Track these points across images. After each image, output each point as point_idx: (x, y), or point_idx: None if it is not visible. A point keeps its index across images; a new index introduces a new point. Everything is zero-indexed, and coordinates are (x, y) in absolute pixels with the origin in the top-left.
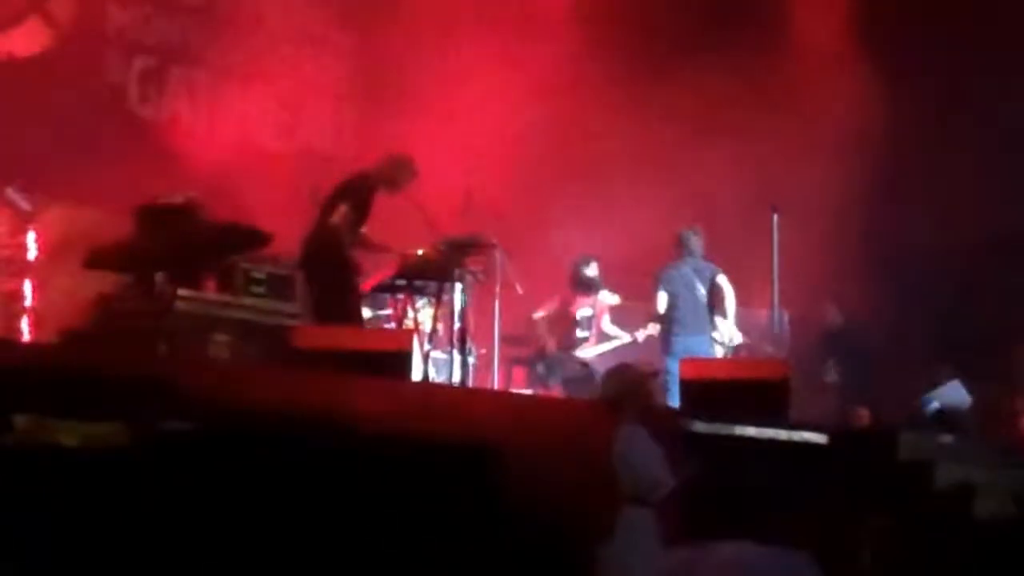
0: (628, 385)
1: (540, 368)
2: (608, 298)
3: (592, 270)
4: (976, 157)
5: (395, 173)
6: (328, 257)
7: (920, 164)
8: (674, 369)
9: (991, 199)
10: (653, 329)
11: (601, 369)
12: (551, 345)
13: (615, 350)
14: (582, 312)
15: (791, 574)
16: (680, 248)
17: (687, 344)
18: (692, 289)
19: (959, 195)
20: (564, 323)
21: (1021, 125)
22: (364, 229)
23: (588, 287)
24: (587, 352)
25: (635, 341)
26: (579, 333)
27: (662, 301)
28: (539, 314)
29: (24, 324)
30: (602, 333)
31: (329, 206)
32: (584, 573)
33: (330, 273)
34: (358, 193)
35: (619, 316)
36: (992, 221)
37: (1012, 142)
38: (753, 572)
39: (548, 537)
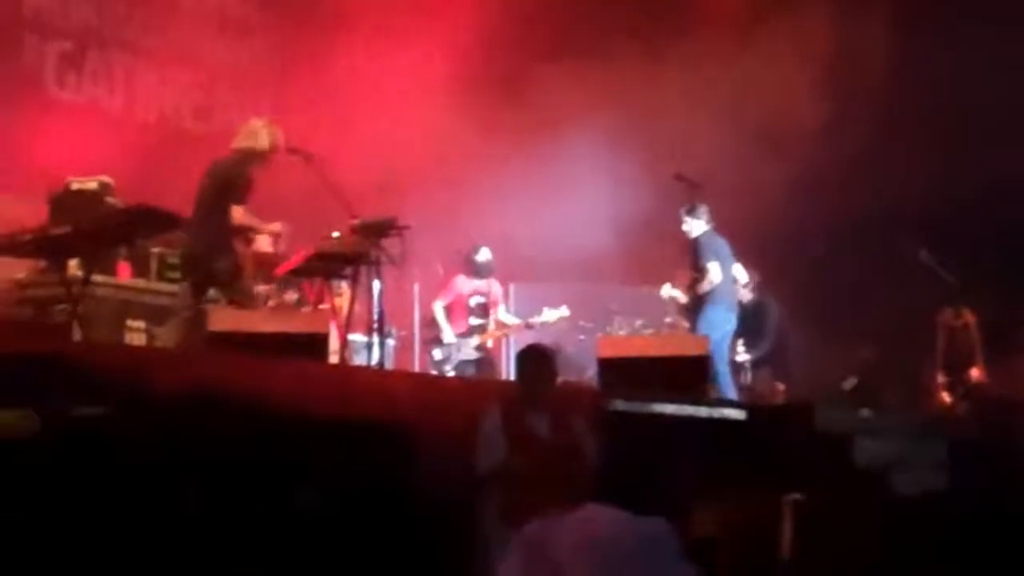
0: (536, 366)
1: (436, 354)
2: (499, 289)
3: (482, 256)
4: (888, 128)
5: (259, 142)
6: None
7: (847, 140)
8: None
9: (901, 171)
10: (549, 316)
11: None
12: (447, 332)
13: (511, 336)
14: (476, 299)
15: (647, 539)
16: (697, 219)
17: (730, 318)
18: (730, 262)
19: (871, 169)
20: (459, 310)
21: (925, 99)
22: (237, 215)
23: (479, 273)
24: (482, 338)
25: (531, 327)
26: (473, 320)
27: (716, 271)
28: (438, 303)
29: None
30: (498, 322)
31: (210, 201)
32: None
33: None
34: (232, 179)
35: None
36: (908, 193)
37: (918, 117)
38: (607, 538)
39: (454, 515)
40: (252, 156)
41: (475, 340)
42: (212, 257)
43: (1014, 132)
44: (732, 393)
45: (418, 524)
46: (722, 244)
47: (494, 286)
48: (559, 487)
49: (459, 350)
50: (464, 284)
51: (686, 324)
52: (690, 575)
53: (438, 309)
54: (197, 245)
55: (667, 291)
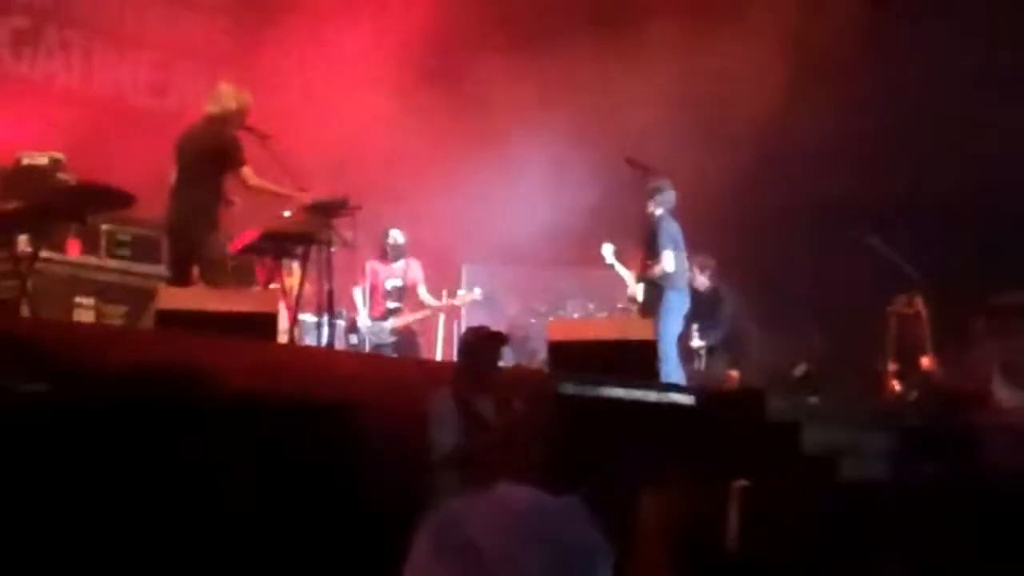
0: (481, 348)
1: (352, 338)
2: (417, 271)
3: (393, 239)
4: (845, 117)
5: (227, 105)
6: (205, 219)
7: (790, 124)
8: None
9: (854, 159)
10: (463, 297)
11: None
12: (362, 315)
13: (424, 319)
14: (391, 282)
15: (560, 515)
16: (664, 201)
17: (686, 301)
18: (682, 246)
19: (825, 156)
20: (376, 294)
21: (887, 86)
22: (249, 178)
23: (391, 256)
24: (398, 321)
25: (451, 308)
26: (390, 304)
27: (670, 259)
28: (356, 288)
29: None
30: (418, 302)
31: (200, 166)
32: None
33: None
34: (226, 146)
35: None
36: (861, 181)
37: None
38: (522, 513)
39: (401, 496)
40: (226, 119)
41: (390, 323)
42: (196, 227)
43: (967, 119)
44: (678, 378)
45: (364, 504)
46: (677, 229)
47: (412, 267)
48: (505, 471)
49: (374, 334)
50: (379, 268)
51: (633, 306)
52: (603, 549)
53: (356, 293)
54: (180, 215)
55: (609, 254)
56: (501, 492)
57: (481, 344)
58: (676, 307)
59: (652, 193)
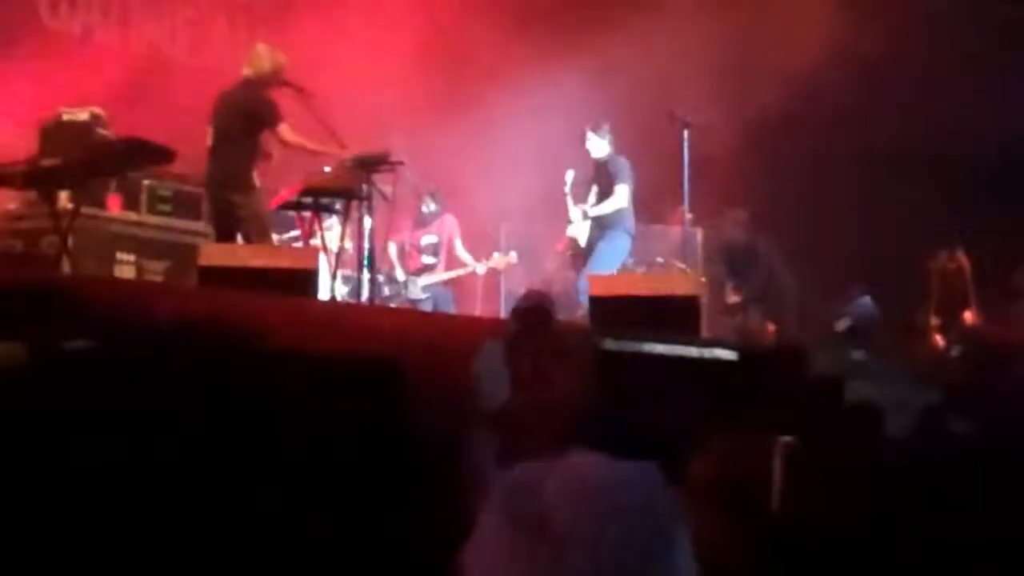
0: (533, 310)
1: (386, 290)
2: (453, 227)
3: (429, 206)
4: (898, 70)
5: (262, 66)
6: (241, 179)
7: (835, 76)
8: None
9: (906, 113)
10: (498, 261)
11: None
12: (398, 270)
13: (457, 278)
14: (427, 239)
15: (635, 485)
16: (607, 136)
17: (629, 243)
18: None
19: (873, 107)
20: (412, 250)
21: (928, 31)
22: (285, 135)
23: (426, 222)
24: (432, 278)
25: (483, 270)
26: (425, 259)
27: (624, 194)
28: (391, 242)
29: None
30: (454, 257)
31: (234, 127)
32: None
33: (248, 197)
34: (260, 106)
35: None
36: (907, 135)
37: (924, 63)
38: (595, 486)
39: (446, 454)
40: (264, 80)
41: (424, 280)
42: (230, 187)
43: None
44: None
45: (409, 462)
46: (629, 166)
47: (447, 223)
48: (551, 428)
49: (407, 288)
50: (414, 229)
51: (677, 263)
52: (680, 523)
53: (391, 247)
54: (216, 175)
55: (569, 181)
56: (574, 460)
57: (533, 308)
58: (621, 248)
59: (595, 129)
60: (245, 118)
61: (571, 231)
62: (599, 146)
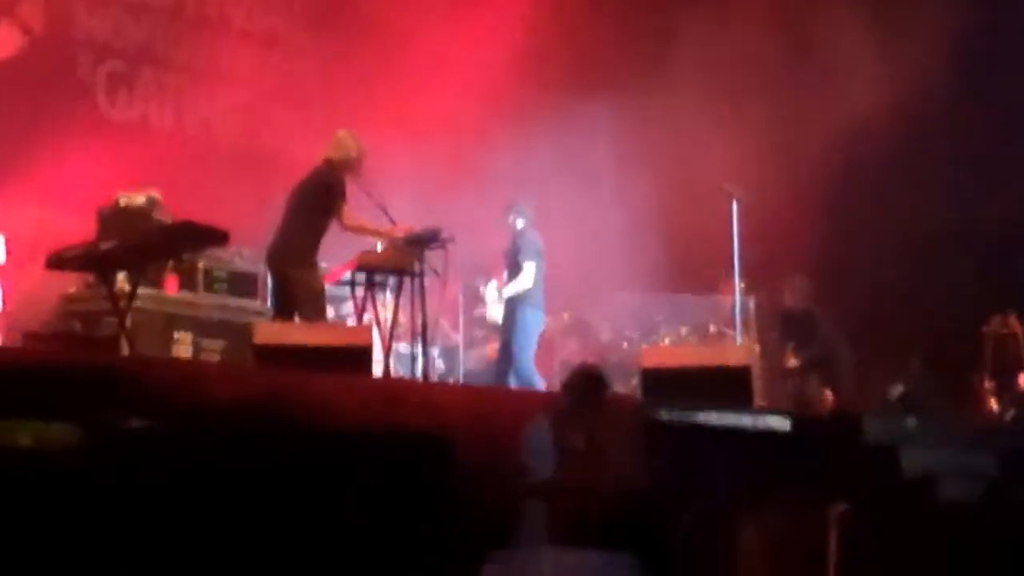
0: (585, 382)
1: (441, 364)
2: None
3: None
4: (951, 146)
5: (347, 153)
6: (305, 257)
7: (888, 152)
8: (530, 346)
9: (960, 189)
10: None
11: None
12: (492, 308)
13: None
14: (478, 312)
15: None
16: (524, 212)
17: (542, 318)
18: (542, 261)
19: (928, 183)
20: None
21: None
22: (347, 220)
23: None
24: (486, 349)
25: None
26: (477, 332)
27: (530, 272)
28: (490, 283)
29: None
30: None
31: (304, 208)
32: None
33: (307, 273)
34: (332, 190)
35: None
36: (959, 210)
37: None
38: (575, 574)
39: (497, 525)
40: (344, 164)
41: (478, 351)
42: (291, 262)
43: None
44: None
45: (461, 533)
46: (539, 242)
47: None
48: (600, 500)
49: (462, 360)
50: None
51: (730, 332)
52: None
53: (490, 288)
54: (279, 249)
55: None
56: (553, 556)
57: (586, 380)
58: (532, 324)
59: (510, 208)
60: (317, 198)
61: (489, 314)
62: (519, 222)
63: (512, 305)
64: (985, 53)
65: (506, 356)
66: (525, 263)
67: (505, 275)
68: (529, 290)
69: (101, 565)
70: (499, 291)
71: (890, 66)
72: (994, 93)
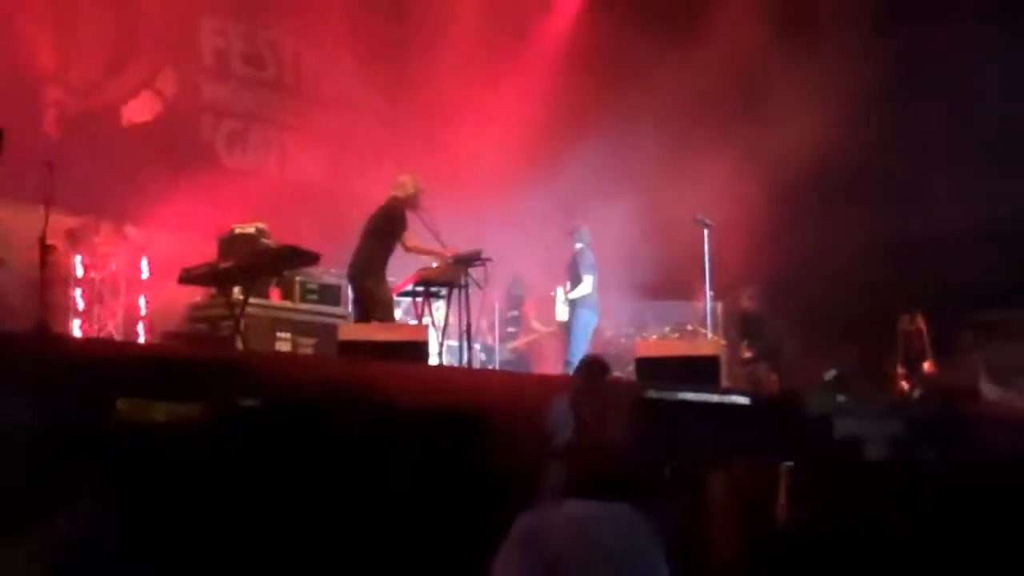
0: (593, 369)
1: (482, 355)
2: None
3: (516, 289)
4: (873, 179)
5: (407, 191)
6: (375, 272)
7: (822, 186)
8: (585, 339)
9: (880, 215)
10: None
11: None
12: (491, 338)
13: (532, 340)
14: (510, 313)
15: (622, 526)
16: (582, 238)
17: (595, 318)
18: (596, 273)
19: (855, 210)
20: (498, 322)
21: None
22: (408, 244)
23: (513, 301)
24: (515, 343)
25: (552, 333)
26: (509, 329)
27: (588, 282)
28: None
29: (140, 329)
30: (529, 327)
31: (375, 233)
32: None
33: (378, 285)
34: (395, 220)
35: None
36: (881, 230)
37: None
38: (594, 529)
39: (525, 484)
40: (405, 201)
41: (510, 344)
42: (364, 277)
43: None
44: None
45: (497, 488)
46: (593, 259)
47: (526, 302)
48: (605, 459)
49: (498, 352)
50: (506, 304)
51: (702, 330)
52: (655, 548)
53: (483, 324)
54: (355, 268)
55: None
56: (574, 509)
57: (593, 367)
58: (589, 323)
59: (573, 232)
60: (384, 227)
61: (558, 316)
62: (577, 244)
63: (574, 307)
64: (900, 103)
65: (569, 349)
66: (584, 275)
67: (568, 284)
68: (587, 296)
69: (219, 515)
70: (565, 296)
71: (823, 115)
72: (905, 137)
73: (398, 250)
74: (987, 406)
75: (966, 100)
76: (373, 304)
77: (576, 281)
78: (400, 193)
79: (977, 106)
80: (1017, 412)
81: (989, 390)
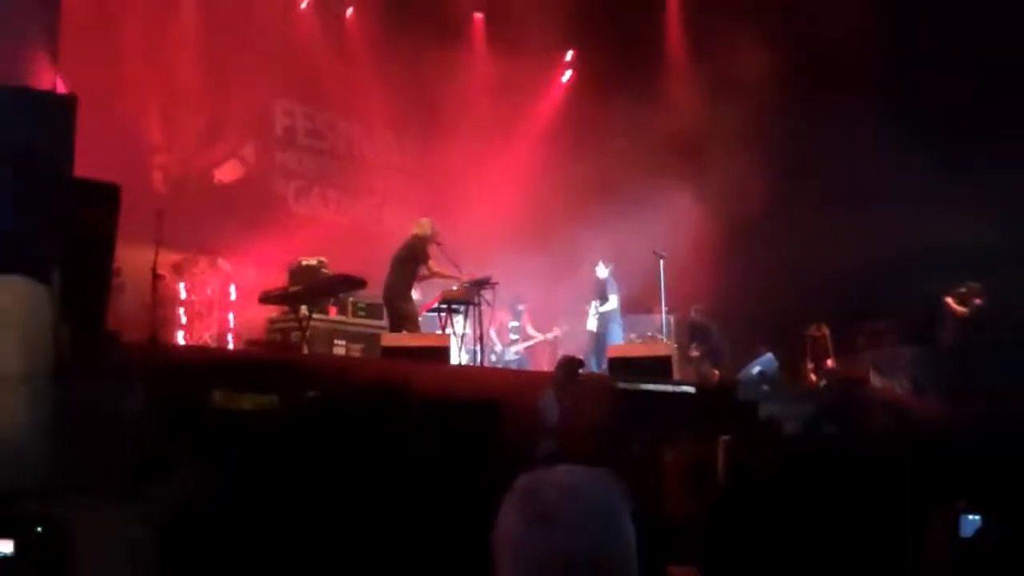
0: (570, 367)
1: (492, 357)
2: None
3: (518, 306)
4: (789, 220)
5: (425, 231)
6: (403, 293)
7: (751, 224)
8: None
9: (793, 246)
10: (551, 334)
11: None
12: (497, 345)
13: (531, 346)
14: (512, 323)
15: (601, 485)
16: (608, 268)
17: (620, 330)
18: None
19: (774, 245)
20: (503, 332)
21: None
22: (432, 268)
23: (515, 314)
24: (516, 347)
25: (546, 340)
26: (511, 336)
27: (614, 301)
28: (491, 329)
29: (230, 338)
30: (527, 334)
31: (401, 262)
32: None
33: (406, 303)
34: (416, 252)
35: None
36: (794, 260)
37: (811, 210)
38: (581, 486)
39: (522, 458)
40: (424, 239)
41: (512, 348)
42: (396, 298)
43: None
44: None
45: (502, 458)
46: (616, 283)
47: (524, 315)
48: (584, 436)
49: (506, 355)
50: (507, 316)
51: (660, 336)
52: (625, 504)
53: (492, 333)
54: (389, 291)
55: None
56: (564, 471)
57: (569, 365)
58: (616, 334)
59: (600, 261)
60: (409, 257)
61: (589, 325)
62: (604, 271)
63: (604, 320)
64: (806, 165)
65: (599, 349)
66: (611, 295)
67: (597, 302)
68: (613, 311)
69: (291, 480)
70: (596, 310)
71: (753, 169)
72: (817, 184)
73: (422, 273)
74: (875, 392)
75: (843, 165)
76: (401, 319)
77: (604, 300)
78: (420, 232)
79: (848, 171)
80: (896, 397)
81: (876, 381)
